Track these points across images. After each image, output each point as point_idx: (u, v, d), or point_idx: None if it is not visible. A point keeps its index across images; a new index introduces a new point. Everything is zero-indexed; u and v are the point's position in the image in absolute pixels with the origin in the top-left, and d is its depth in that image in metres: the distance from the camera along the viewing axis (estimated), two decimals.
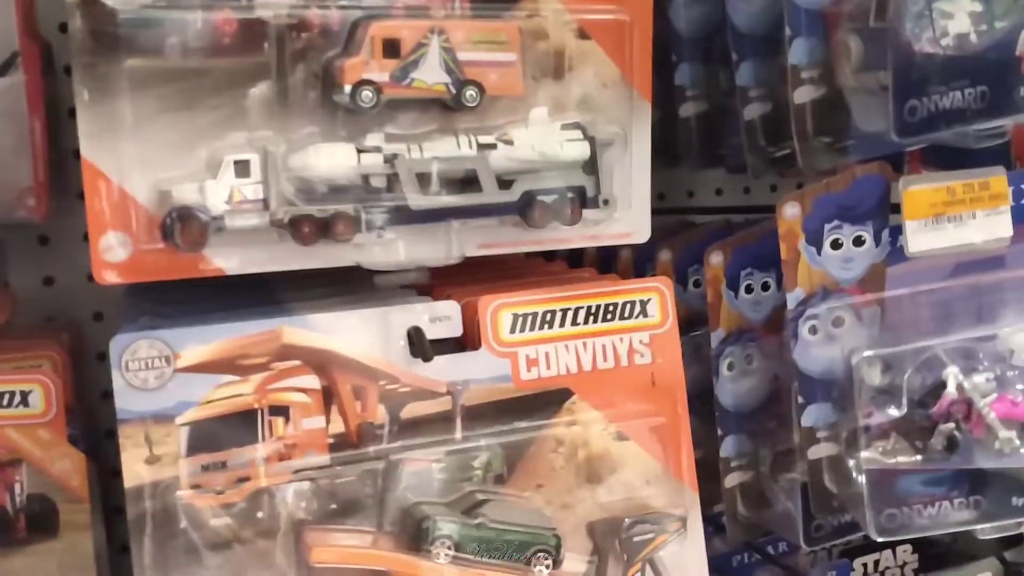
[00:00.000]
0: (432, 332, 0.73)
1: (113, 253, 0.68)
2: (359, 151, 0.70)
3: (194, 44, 0.68)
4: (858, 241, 0.81)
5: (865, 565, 1.25)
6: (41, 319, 1.04)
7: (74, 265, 1.05)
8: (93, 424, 1.03)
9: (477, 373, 0.74)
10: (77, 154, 0.70)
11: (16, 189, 0.82)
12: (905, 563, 1.26)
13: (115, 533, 1.02)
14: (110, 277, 0.68)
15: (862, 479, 0.77)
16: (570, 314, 0.77)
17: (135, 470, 0.67)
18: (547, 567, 0.73)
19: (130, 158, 0.67)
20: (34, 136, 0.82)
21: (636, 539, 0.74)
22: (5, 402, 0.77)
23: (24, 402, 0.77)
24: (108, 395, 1.06)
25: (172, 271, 0.69)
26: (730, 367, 0.91)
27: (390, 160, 0.71)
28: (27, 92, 0.82)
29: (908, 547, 1.26)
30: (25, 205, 0.82)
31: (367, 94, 0.70)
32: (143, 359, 0.66)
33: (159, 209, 0.68)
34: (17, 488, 0.78)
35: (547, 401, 0.76)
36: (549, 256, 1.03)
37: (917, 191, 0.75)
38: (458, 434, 0.74)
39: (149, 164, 0.68)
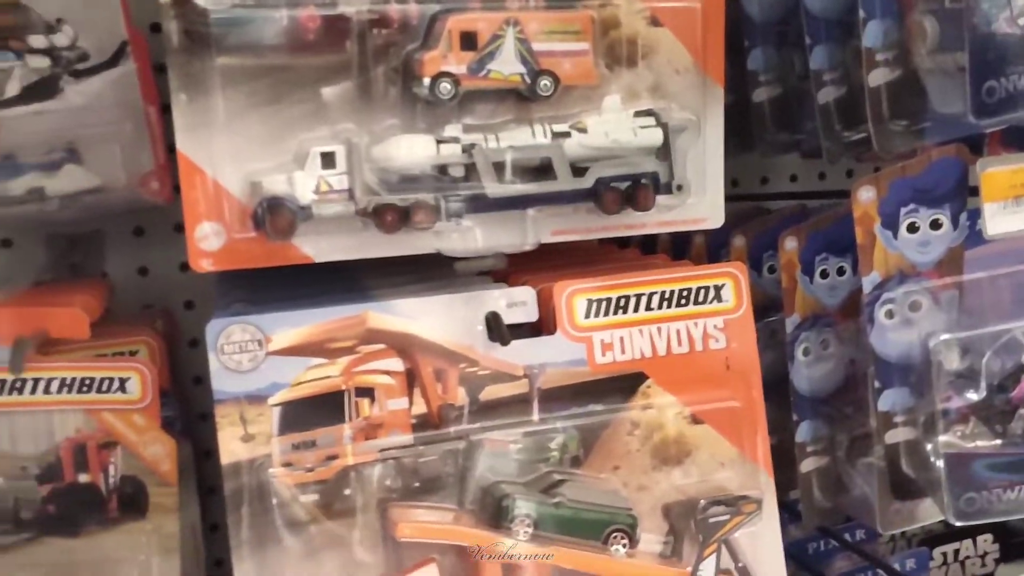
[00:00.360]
0: (509, 317, 0.75)
1: (208, 242, 0.71)
2: (438, 142, 0.72)
3: (281, 41, 0.71)
4: (935, 224, 0.80)
5: (945, 554, 1.24)
6: (137, 307, 1.09)
7: (167, 255, 1.09)
8: (186, 407, 1.08)
9: (553, 357, 0.76)
10: (170, 148, 0.74)
11: (139, 174, 0.85)
12: (986, 552, 1.25)
13: (208, 511, 1.06)
14: (206, 265, 0.72)
15: (940, 463, 0.77)
16: (644, 299, 0.78)
17: (231, 448, 0.70)
18: (624, 546, 0.74)
19: (223, 151, 0.71)
20: (150, 121, 0.86)
21: (711, 520, 0.75)
22: (105, 387, 0.81)
23: (122, 388, 0.81)
24: (200, 380, 1.11)
25: (263, 259, 0.72)
26: (805, 352, 0.91)
27: (468, 150, 0.73)
28: (140, 79, 0.86)
29: (989, 536, 1.24)
30: (149, 189, 0.86)
31: (446, 86, 0.72)
32: (237, 343, 0.70)
33: (250, 200, 0.71)
34: (111, 469, 0.82)
35: (622, 385, 0.78)
36: (623, 243, 1.04)
37: (995, 173, 0.74)
38: (535, 416, 0.76)
39: (240, 157, 0.71)
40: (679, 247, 1.09)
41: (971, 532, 1.24)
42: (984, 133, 0.91)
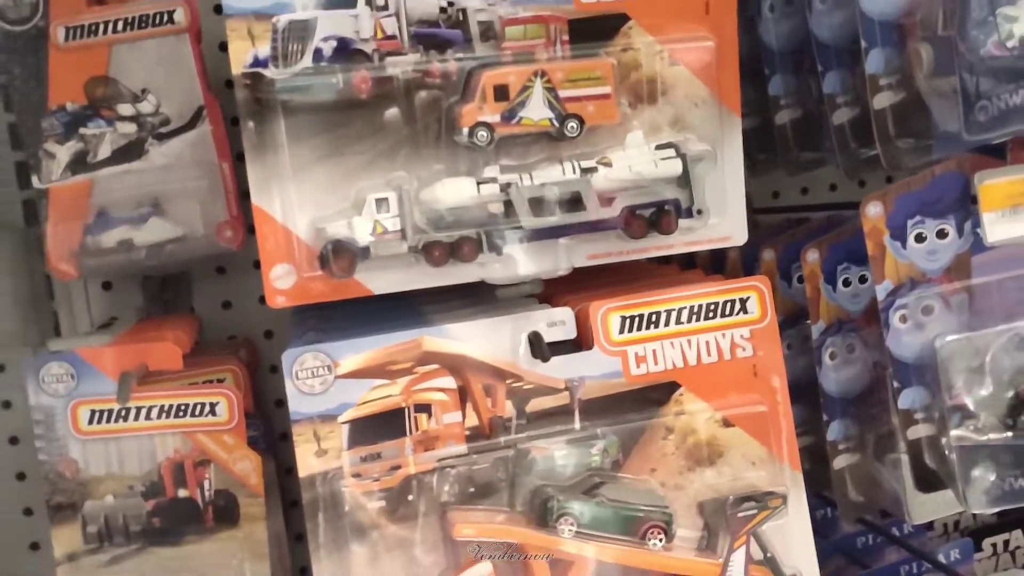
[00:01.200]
0: (550, 335, 0.83)
1: (282, 281, 0.81)
2: (478, 183, 0.81)
3: (338, 101, 0.81)
4: (941, 234, 0.86)
5: (995, 545, 1.27)
6: (222, 338, 1.20)
7: (247, 290, 1.19)
8: (269, 428, 1.19)
9: (591, 370, 0.83)
10: (244, 194, 0.84)
11: (215, 224, 0.97)
12: None
13: (291, 523, 1.16)
14: (280, 301, 0.82)
15: (954, 456, 0.82)
16: (674, 314, 0.85)
17: (307, 462, 0.79)
18: (660, 540, 0.81)
19: (290, 201, 0.81)
20: (224, 176, 0.97)
21: (740, 515, 0.82)
22: (198, 412, 0.90)
23: (212, 412, 0.90)
24: (281, 402, 1.21)
25: (330, 294, 0.82)
26: (832, 356, 0.97)
27: (505, 188, 0.81)
28: (214, 139, 0.97)
29: None
30: (224, 236, 0.97)
31: (482, 134, 0.81)
32: (310, 368, 0.79)
33: (316, 243, 0.81)
34: (206, 484, 0.91)
35: (656, 394, 0.84)
36: (666, 258, 1.11)
37: (992, 184, 0.80)
38: (577, 425, 0.83)
39: (306, 205, 0.81)
40: (717, 261, 1.16)
41: (1020, 522, 1.27)
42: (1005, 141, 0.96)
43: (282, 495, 1.13)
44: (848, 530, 1.24)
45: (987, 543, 1.26)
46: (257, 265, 1.19)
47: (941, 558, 1.12)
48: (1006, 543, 1.27)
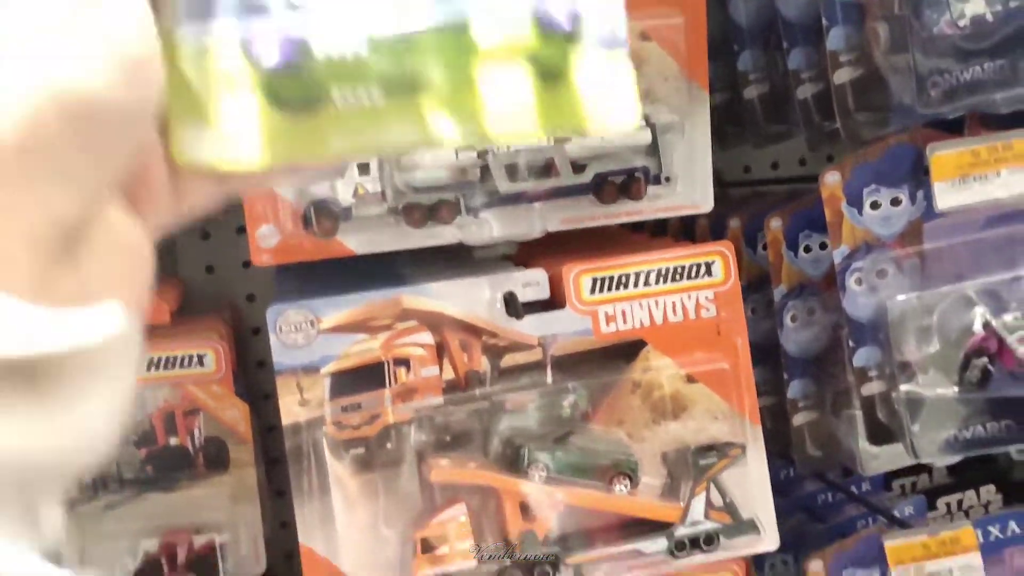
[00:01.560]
0: (525, 295, 0.87)
1: (267, 241, 0.85)
2: (456, 149, 0.85)
3: None
4: (895, 202, 0.90)
5: (948, 504, 1.33)
6: (205, 302, 1.23)
7: (230, 255, 1.22)
8: (252, 388, 1.22)
9: (563, 328, 0.88)
10: None
11: None
12: (989, 502, 1.33)
13: (272, 479, 1.20)
14: (265, 259, 0.85)
15: (902, 410, 0.88)
16: (643, 276, 0.89)
17: (291, 411, 0.83)
18: (625, 486, 0.86)
19: None
20: None
21: (701, 463, 0.87)
22: (187, 363, 0.94)
23: (200, 363, 0.94)
24: (262, 364, 1.25)
25: (312, 253, 0.86)
26: (793, 319, 1.01)
27: (482, 155, 0.85)
28: None
29: (991, 487, 1.33)
30: None
31: None
32: (293, 323, 0.83)
33: (300, 203, 0.84)
34: (196, 432, 0.95)
35: (624, 351, 0.89)
36: (638, 226, 1.16)
37: (943, 156, 0.84)
38: (549, 379, 0.87)
39: None
40: (688, 229, 1.20)
41: (973, 483, 1.32)
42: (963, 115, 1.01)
43: (264, 451, 1.17)
44: (809, 488, 1.29)
45: (941, 502, 1.31)
46: (240, 231, 1.23)
47: (896, 514, 1.17)
48: (959, 502, 1.32)
